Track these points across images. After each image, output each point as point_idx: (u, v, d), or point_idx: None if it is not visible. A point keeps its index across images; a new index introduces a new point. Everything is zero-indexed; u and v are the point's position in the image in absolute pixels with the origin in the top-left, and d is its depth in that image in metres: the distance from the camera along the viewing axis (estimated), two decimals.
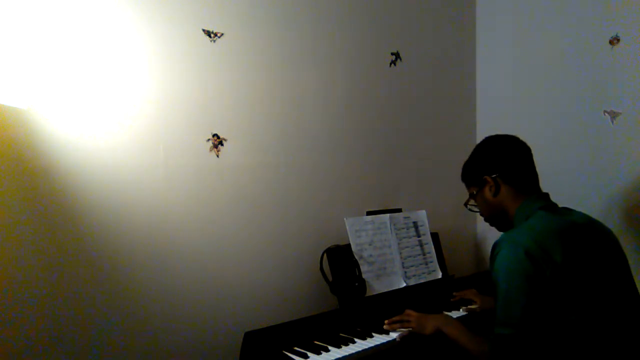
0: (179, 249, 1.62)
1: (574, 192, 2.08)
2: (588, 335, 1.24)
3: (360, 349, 1.50)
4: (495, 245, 1.33)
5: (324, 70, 2.00)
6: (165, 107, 1.60)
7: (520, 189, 1.44)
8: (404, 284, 1.91)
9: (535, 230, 1.31)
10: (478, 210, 1.57)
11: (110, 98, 1.50)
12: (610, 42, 2.13)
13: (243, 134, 1.77)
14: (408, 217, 2.04)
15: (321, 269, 1.77)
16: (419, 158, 2.38)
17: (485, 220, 1.56)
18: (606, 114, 2.15)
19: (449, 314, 1.78)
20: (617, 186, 2.12)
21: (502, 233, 1.40)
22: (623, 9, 2.10)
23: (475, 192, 1.53)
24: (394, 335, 1.58)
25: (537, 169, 1.49)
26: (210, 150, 1.70)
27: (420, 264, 2.01)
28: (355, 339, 1.56)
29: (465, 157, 1.59)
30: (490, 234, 2.50)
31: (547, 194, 1.46)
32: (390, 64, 2.26)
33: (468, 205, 1.60)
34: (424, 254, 2.04)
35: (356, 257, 1.80)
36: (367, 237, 1.87)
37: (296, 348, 1.48)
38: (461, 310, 1.84)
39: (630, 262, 1.40)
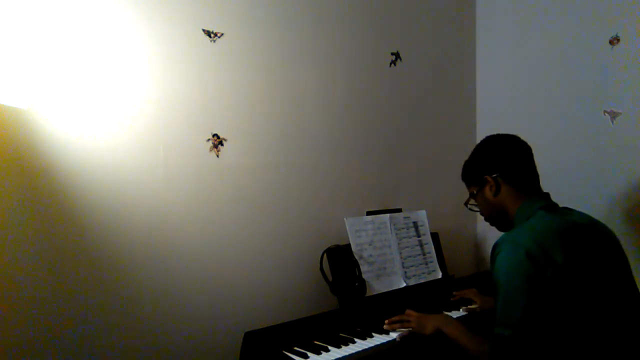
0: (179, 249, 1.62)
1: (574, 193, 2.08)
2: (588, 336, 1.23)
3: (360, 349, 1.50)
4: (496, 246, 1.33)
5: (324, 70, 2.00)
6: (165, 107, 1.60)
7: (520, 189, 1.44)
8: (404, 284, 1.91)
9: (535, 230, 1.30)
10: (478, 209, 1.57)
11: (110, 98, 1.50)
12: (610, 42, 2.13)
13: (243, 134, 1.77)
14: (408, 217, 2.04)
15: (321, 269, 1.77)
16: (419, 158, 2.38)
17: (486, 219, 1.56)
18: (606, 114, 2.15)
19: (449, 313, 1.78)
20: (617, 186, 2.12)
21: (502, 233, 1.40)
22: (623, 9, 2.10)
23: (475, 192, 1.53)
24: (394, 335, 1.57)
25: (537, 169, 1.49)
26: (210, 150, 1.70)
27: (420, 264, 2.01)
28: (355, 339, 1.56)
29: (465, 157, 1.59)
30: (490, 234, 2.50)
31: (547, 194, 1.46)
32: (390, 64, 2.26)
33: (468, 205, 1.60)
34: (424, 254, 2.04)
35: (356, 257, 1.80)
36: (367, 237, 1.87)
37: (296, 348, 1.48)
38: (461, 310, 1.84)
39: (631, 262, 1.40)
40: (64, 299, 1.41)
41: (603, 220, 1.43)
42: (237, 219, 1.75)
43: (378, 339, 1.56)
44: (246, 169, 1.78)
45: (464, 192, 1.61)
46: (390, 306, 1.71)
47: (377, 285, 1.83)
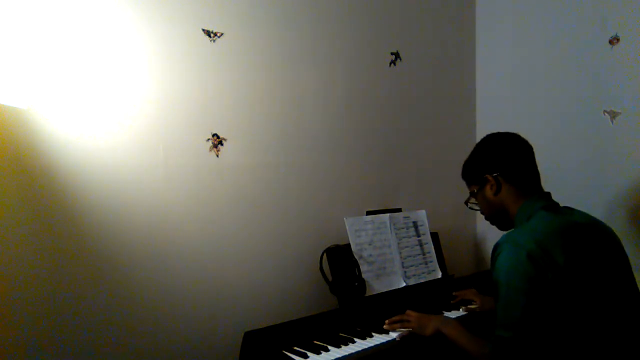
0: (179, 249, 1.62)
1: (574, 193, 2.07)
2: (590, 337, 1.23)
3: (360, 349, 1.50)
4: (497, 246, 1.32)
5: (324, 70, 2.00)
6: (165, 107, 1.60)
7: (521, 189, 1.43)
8: (404, 284, 1.91)
9: (537, 231, 1.29)
10: (479, 209, 1.56)
11: (110, 98, 1.49)
12: (610, 42, 2.13)
13: (243, 134, 1.77)
14: (408, 217, 2.04)
15: (321, 269, 1.77)
16: (419, 158, 2.38)
17: (486, 219, 1.55)
18: (606, 114, 2.15)
19: (449, 314, 1.78)
20: (617, 186, 2.12)
21: (503, 233, 1.39)
22: (623, 9, 2.10)
23: (476, 191, 1.52)
24: (394, 335, 1.57)
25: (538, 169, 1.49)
26: (210, 150, 1.70)
27: (420, 264, 2.00)
28: (355, 339, 1.56)
29: (465, 157, 1.58)
30: (490, 234, 2.50)
31: (549, 194, 1.45)
32: (390, 64, 2.26)
33: (469, 204, 1.59)
34: (424, 254, 2.04)
35: (356, 257, 1.80)
36: (367, 237, 1.87)
37: (296, 348, 1.48)
38: (461, 310, 1.84)
39: (632, 261, 1.39)
40: (64, 298, 1.41)
41: (603, 220, 1.43)
42: (237, 219, 1.75)
43: (378, 339, 1.56)
44: (246, 169, 1.78)
45: (464, 192, 1.60)
46: (390, 306, 1.71)
47: (377, 285, 1.83)
